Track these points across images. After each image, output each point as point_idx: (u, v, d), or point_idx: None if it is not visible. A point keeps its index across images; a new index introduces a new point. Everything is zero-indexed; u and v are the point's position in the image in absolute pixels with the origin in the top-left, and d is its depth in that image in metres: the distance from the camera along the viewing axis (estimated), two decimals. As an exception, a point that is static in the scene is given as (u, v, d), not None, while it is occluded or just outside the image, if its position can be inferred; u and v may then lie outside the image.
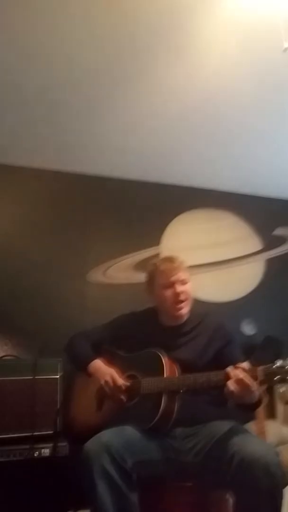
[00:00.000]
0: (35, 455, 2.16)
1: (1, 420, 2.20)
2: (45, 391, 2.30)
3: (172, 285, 1.77)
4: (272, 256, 3.70)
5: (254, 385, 1.41)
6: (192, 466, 1.53)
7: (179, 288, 1.77)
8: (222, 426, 1.57)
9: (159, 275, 1.81)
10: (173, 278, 1.77)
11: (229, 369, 1.46)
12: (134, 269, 3.21)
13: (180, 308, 1.77)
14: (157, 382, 1.61)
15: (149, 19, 1.96)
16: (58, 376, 2.36)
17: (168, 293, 1.77)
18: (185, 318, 1.82)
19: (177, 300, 1.76)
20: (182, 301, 1.77)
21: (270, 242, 3.71)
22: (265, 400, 2.75)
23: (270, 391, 2.89)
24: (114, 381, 1.67)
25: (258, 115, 2.69)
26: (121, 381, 1.68)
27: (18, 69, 2.23)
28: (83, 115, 2.62)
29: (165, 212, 3.44)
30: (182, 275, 1.79)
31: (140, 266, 3.20)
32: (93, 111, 2.59)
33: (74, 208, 3.23)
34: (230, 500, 1.50)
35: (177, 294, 1.76)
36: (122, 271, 3.23)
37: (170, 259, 1.87)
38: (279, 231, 3.76)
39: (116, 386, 1.66)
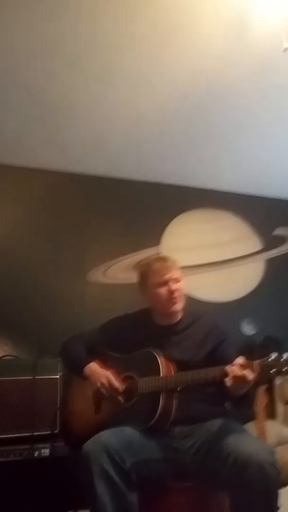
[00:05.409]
0: (35, 455, 2.15)
1: (1, 420, 2.20)
2: (45, 391, 2.30)
3: (166, 283, 1.79)
4: (272, 256, 3.69)
5: (251, 380, 1.42)
6: (191, 465, 1.54)
7: (173, 286, 1.79)
8: (219, 425, 1.57)
9: (152, 275, 1.83)
10: (166, 277, 1.80)
11: (227, 367, 1.47)
12: (134, 269, 3.20)
13: (174, 304, 1.79)
14: (154, 381, 1.62)
15: (150, 18, 1.97)
16: (58, 376, 2.35)
17: (163, 291, 1.79)
18: (179, 316, 1.84)
19: (171, 297, 1.78)
20: (176, 298, 1.79)
21: (270, 242, 3.71)
22: (265, 400, 2.77)
23: (270, 391, 2.89)
24: (110, 383, 1.67)
25: (258, 115, 2.69)
26: (117, 383, 1.68)
27: (18, 69, 2.23)
28: (83, 115, 2.62)
29: (165, 212, 3.44)
30: (175, 273, 1.82)
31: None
32: (92, 111, 2.59)
33: (74, 208, 3.23)
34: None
35: (171, 292, 1.78)
36: (122, 271, 3.22)
37: (162, 259, 1.92)
38: (279, 231, 3.76)
39: (112, 388, 1.67)
